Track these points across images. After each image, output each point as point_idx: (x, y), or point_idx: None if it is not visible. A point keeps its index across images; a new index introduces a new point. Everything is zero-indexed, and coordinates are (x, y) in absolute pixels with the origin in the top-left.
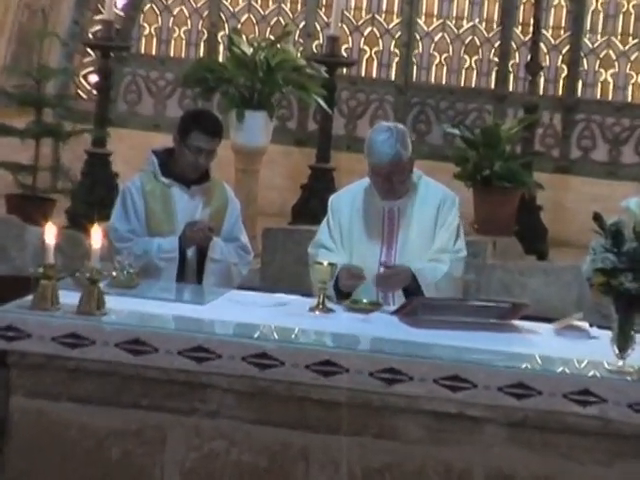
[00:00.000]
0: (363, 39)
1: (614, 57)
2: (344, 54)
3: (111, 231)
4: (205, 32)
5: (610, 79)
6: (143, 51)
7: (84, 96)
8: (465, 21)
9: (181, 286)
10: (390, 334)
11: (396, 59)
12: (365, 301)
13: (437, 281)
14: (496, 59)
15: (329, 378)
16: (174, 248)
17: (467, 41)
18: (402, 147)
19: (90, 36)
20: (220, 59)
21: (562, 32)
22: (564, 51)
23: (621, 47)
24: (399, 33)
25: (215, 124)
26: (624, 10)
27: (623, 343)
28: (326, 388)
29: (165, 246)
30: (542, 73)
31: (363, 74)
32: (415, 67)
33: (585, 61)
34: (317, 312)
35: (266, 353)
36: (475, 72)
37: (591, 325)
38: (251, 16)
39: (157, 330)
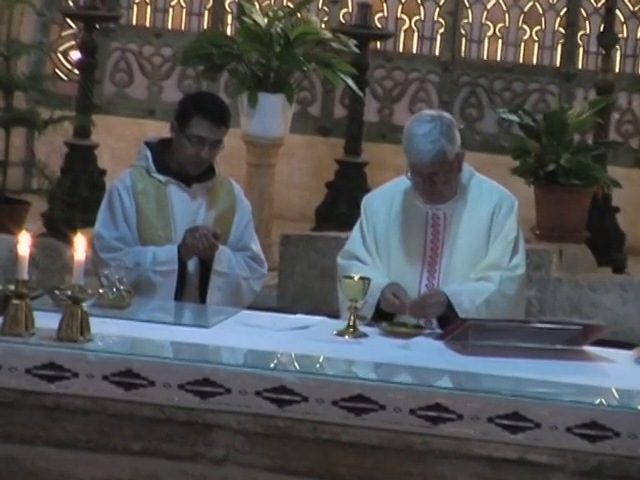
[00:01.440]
0: (401, 6)
1: None
2: (378, 24)
3: (96, 239)
4: None
5: None
6: (135, 22)
7: (63, 77)
8: None
9: (181, 305)
10: (435, 363)
11: (441, 30)
12: (405, 323)
13: (478, 306)
14: (562, 30)
15: (362, 416)
16: (172, 259)
17: (527, 8)
18: (447, 141)
19: (70, 4)
20: (228, 31)
21: None
22: None
23: None
24: None
25: (220, 109)
26: None
27: None
28: (358, 429)
29: (161, 257)
30: (618, 46)
31: (401, 49)
32: (464, 40)
33: None
34: (346, 337)
35: (285, 387)
36: (537, 46)
37: None
38: None
39: (152, 359)
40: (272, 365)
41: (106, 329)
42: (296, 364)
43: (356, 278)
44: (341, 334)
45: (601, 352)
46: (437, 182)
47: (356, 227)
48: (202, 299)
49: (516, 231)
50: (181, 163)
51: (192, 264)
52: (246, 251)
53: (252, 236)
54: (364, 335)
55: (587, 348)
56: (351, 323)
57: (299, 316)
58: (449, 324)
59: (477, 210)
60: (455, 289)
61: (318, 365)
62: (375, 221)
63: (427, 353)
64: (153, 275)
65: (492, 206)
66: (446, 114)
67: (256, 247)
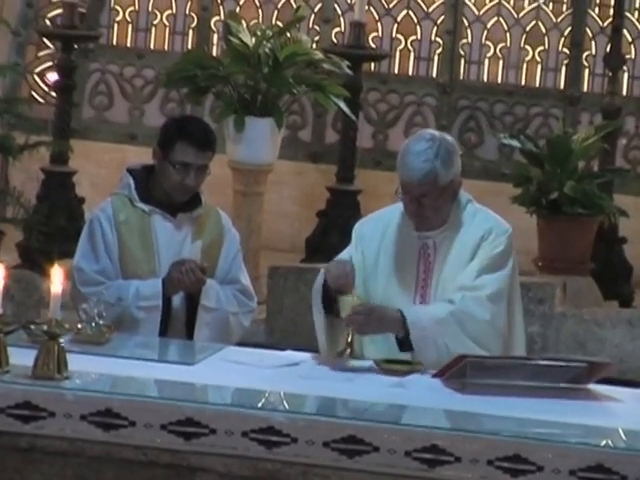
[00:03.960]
0: (396, 25)
1: None
2: (372, 45)
3: (76, 272)
4: (194, 17)
5: None
6: (115, 42)
7: (40, 100)
8: (527, 1)
9: (165, 342)
10: (432, 402)
11: (438, 51)
12: (399, 360)
13: (439, 320)
14: (566, 50)
15: (354, 459)
16: (156, 294)
17: (529, 27)
18: (442, 165)
19: (47, 23)
20: (214, 52)
21: None
22: None
23: None
24: (442, 17)
25: (205, 132)
26: None
27: None
28: (351, 472)
29: (144, 291)
30: (625, 68)
31: (396, 70)
32: (463, 61)
33: None
34: (346, 358)
35: (273, 427)
36: (540, 67)
37: None
38: None
39: (134, 398)
40: (260, 404)
41: (85, 366)
42: (285, 403)
43: (354, 298)
44: (341, 354)
45: (607, 391)
46: (425, 205)
47: (345, 250)
48: (189, 335)
49: (493, 251)
50: (166, 191)
51: (178, 299)
52: (235, 284)
53: (241, 268)
54: (362, 360)
55: (592, 387)
56: (349, 340)
57: (288, 352)
58: (406, 345)
59: (466, 238)
60: (413, 308)
61: (308, 404)
62: (365, 247)
63: (423, 392)
64: (136, 311)
65: (480, 235)
66: (449, 137)
67: (245, 280)
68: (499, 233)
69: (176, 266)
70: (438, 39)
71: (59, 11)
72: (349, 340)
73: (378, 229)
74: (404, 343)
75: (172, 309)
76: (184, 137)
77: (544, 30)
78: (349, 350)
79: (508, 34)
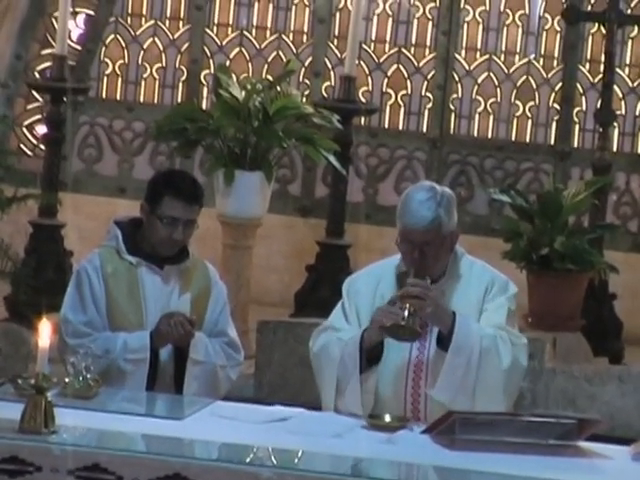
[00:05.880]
0: (386, 80)
1: None
2: (362, 99)
3: (63, 323)
4: (184, 71)
5: None
6: (104, 94)
7: (29, 152)
8: (517, 57)
9: (153, 396)
10: (421, 458)
11: (429, 105)
12: (388, 417)
13: (484, 335)
14: (557, 106)
15: None
16: (144, 346)
17: (519, 83)
18: (445, 214)
19: (37, 75)
20: (204, 105)
21: None
22: None
23: None
24: (433, 72)
25: (193, 186)
26: None
27: None
28: None
29: (132, 344)
30: (616, 123)
31: (386, 124)
32: (453, 116)
33: None
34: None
35: None
36: (530, 122)
37: None
38: (243, 50)
39: (121, 453)
40: (248, 460)
41: (72, 420)
42: (273, 459)
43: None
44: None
45: (597, 448)
46: (427, 254)
47: (337, 307)
48: (177, 388)
49: (510, 305)
50: (153, 245)
51: (166, 352)
52: (222, 337)
53: (228, 321)
54: (418, 333)
55: (582, 443)
56: (406, 316)
57: (277, 407)
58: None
59: (467, 292)
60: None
61: (297, 460)
62: (358, 301)
63: (412, 448)
64: (123, 363)
65: (483, 287)
66: (448, 190)
67: (232, 332)
68: (501, 285)
69: (165, 319)
70: (428, 94)
71: (48, 64)
72: (406, 316)
73: (370, 284)
74: (443, 342)
75: (160, 362)
76: (172, 191)
77: (535, 85)
78: (410, 321)
79: (499, 89)
